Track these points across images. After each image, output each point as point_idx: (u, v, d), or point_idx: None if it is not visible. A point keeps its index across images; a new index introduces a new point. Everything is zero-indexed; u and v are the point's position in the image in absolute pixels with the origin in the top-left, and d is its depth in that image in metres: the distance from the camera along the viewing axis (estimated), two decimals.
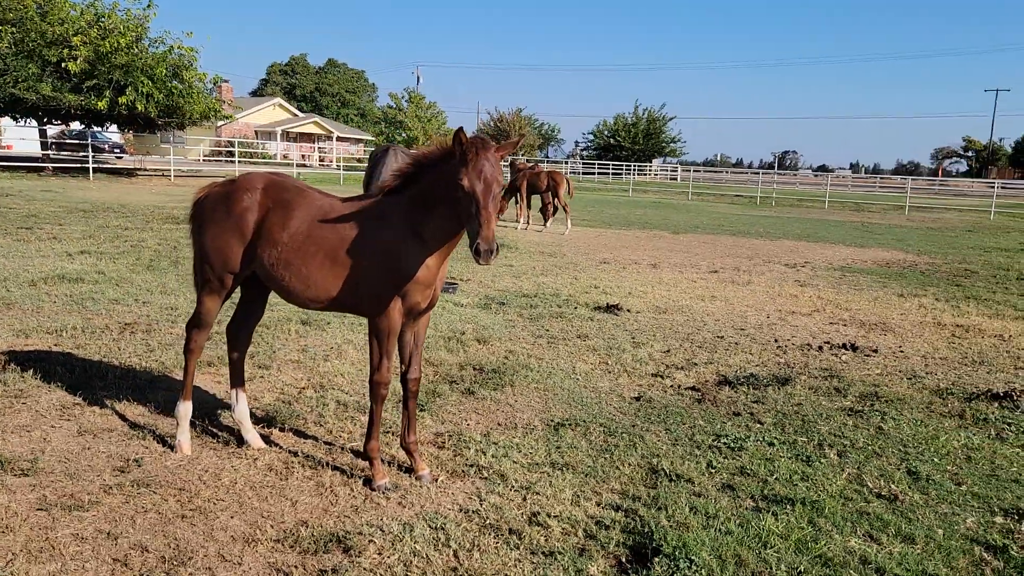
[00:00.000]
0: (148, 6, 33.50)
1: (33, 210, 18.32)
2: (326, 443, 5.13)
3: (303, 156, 62.01)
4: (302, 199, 4.55)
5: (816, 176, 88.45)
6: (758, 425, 5.84)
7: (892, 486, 4.74)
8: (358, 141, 74.66)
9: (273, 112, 71.93)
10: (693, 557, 3.57)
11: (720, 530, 3.95)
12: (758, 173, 65.93)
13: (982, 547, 4.00)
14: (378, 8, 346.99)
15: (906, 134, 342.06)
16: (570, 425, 5.61)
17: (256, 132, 68.11)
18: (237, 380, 5.08)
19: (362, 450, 4.71)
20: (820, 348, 8.50)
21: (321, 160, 64.07)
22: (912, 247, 21.01)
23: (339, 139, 71.00)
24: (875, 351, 8.43)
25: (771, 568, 3.62)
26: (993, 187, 61.37)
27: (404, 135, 56.35)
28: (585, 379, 6.87)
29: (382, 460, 4.67)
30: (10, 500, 4.08)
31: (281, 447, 5.01)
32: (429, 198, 4.19)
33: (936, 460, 5.22)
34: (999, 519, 4.35)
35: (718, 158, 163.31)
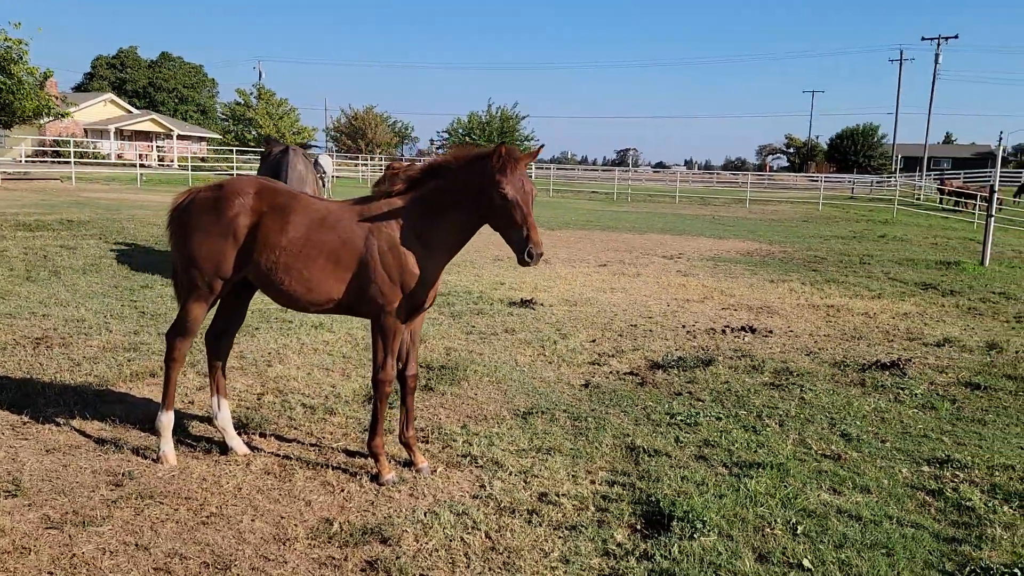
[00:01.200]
0: None
1: None
2: (311, 445, 5.18)
3: (140, 156, 58.41)
4: (297, 203, 4.60)
5: (655, 172, 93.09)
6: (700, 402, 6.39)
7: (832, 447, 5.39)
8: (201, 139, 71.14)
9: (105, 109, 67.26)
10: (705, 519, 4.00)
11: (715, 494, 4.41)
12: (610, 170, 68.71)
13: (923, 491, 4.69)
14: None
15: (734, 132, 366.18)
16: (536, 413, 5.92)
17: (86, 130, 63.48)
18: (218, 388, 5.03)
19: (366, 447, 4.80)
20: (723, 331, 9.26)
21: (161, 160, 60.61)
22: (763, 237, 22.79)
23: (180, 137, 67.36)
24: (771, 332, 9.29)
25: (770, 523, 4.10)
26: (815, 181, 67.10)
27: (255, 133, 54.34)
28: (530, 370, 7.20)
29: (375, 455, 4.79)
30: (13, 521, 3.92)
31: (267, 452, 5.02)
32: (438, 203, 4.40)
33: (858, 423, 5.95)
34: (925, 468, 5.08)
35: (568, 155, 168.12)
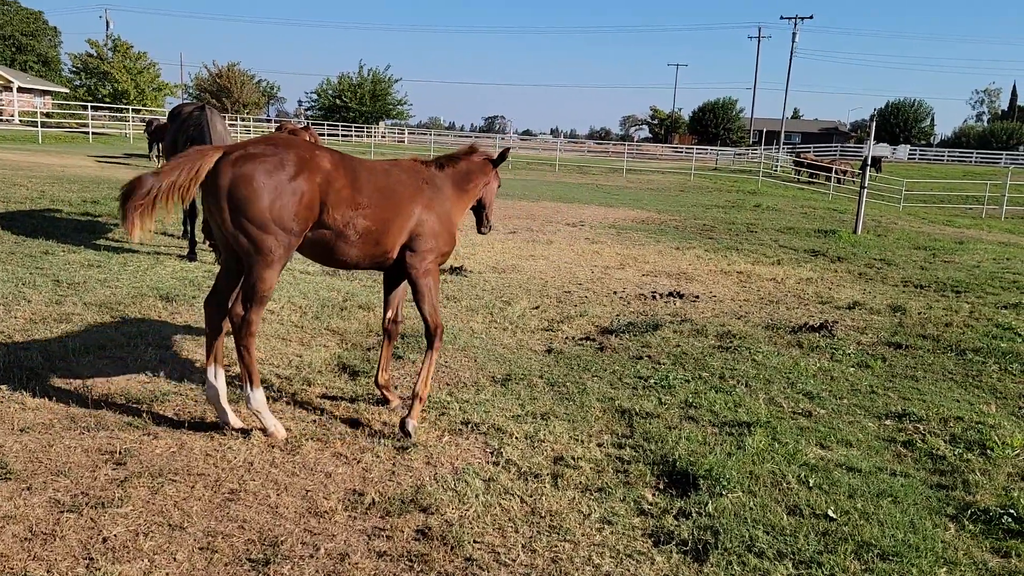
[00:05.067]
0: None
1: None
2: (302, 417, 5.02)
3: None
4: (356, 161, 4.75)
5: (523, 140, 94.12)
6: (661, 365, 6.64)
7: (801, 405, 5.78)
8: (45, 93, 65.37)
9: None
10: (726, 476, 4.21)
11: (723, 453, 4.64)
12: (490, 137, 68.59)
13: (896, 444, 5.12)
14: None
15: (598, 102, 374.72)
16: (514, 379, 5.98)
17: None
18: (216, 358, 4.77)
19: (416, 394, 4.89)
20: (653, 297, 9.61)
21: None
22: (650, 206, 23.60)
23: (20, 90, 61.66)
24: (697, 297, 9.73)
25: (783, 478, 4.37)
26: (680, 152, 69.94)
27: (110, 88, 50.52)
28: (489, 337, 7.24)
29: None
30: (19, 506, 3.62)
31: (260, 425, 4.82)
32: (466, 180, 5.28)
33: (812, 382, 6.38)
34: (888, 422, 5.54)
35: (441, 121, 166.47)
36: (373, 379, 5.39)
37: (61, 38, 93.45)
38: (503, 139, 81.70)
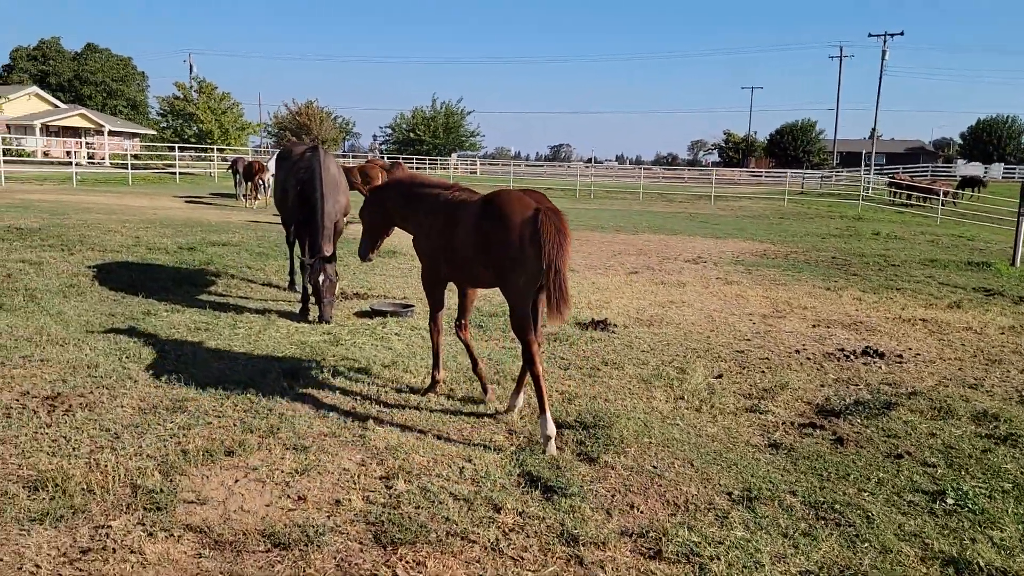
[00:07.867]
0: None
1: None
2: (499, 566, 3.64)
3: (68, 153, 54.61)
4: None
5: (587, 167, 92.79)
6: (936, 470, 5.05)
7: None
8: (134, 135, 67.26)
9: (28, 103, 62.87)
10: None
11: None
12: (563, 165, 67.53)
13: None
14: None
15: (665, 127, 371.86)
16: (759, 498, 4.49)
17: (8, 126, 59.08)
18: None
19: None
20: (846, 357, 8.00)
21: (90, 157, 56.90)
22: (760, 236, 21.80)
23: (111, 133, 63.54)
24: (900, 357, 8.07)
25: None
26: (758, 176, 67.39)
27: (196, 128, 51.21)
28: (687, 424, 5.77)
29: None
30: None
31: None
32: None
33: None
34: None
35: (510, 151, 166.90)
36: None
37: (148, 82, 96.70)
38: (569, 167, 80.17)
